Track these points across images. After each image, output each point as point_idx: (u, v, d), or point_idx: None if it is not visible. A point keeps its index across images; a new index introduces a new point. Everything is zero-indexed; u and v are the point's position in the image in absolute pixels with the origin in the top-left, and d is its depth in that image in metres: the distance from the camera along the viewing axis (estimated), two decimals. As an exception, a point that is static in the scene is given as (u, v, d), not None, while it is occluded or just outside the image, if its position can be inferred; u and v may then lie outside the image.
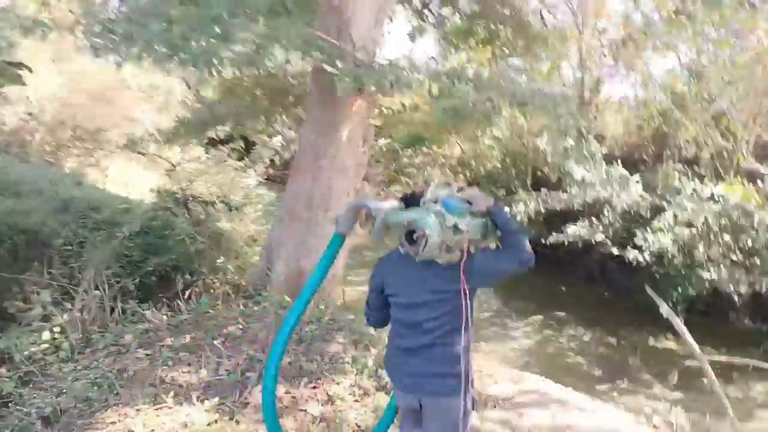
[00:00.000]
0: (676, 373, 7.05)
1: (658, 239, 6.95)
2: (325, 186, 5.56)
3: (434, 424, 2.25)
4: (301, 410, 3.58)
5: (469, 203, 2.17)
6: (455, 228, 2.08)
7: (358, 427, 3.53)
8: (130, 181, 12.16)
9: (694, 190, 7.02)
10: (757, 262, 7.31)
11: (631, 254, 7.19)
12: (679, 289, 7.89)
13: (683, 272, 7.80)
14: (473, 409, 2.30)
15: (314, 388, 3.84)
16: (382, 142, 11.57)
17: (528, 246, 2.20)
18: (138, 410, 3.39)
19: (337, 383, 3.90)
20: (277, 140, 10.98)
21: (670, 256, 7.45)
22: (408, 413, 2.43)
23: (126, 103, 13.18)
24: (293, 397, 3.70)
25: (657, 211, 8.10)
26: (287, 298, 4.99)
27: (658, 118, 10.34)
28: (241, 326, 4.60)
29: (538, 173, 11.53)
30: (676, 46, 9.85)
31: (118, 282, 5.03)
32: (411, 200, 2.25)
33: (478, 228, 2.15)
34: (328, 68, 4.28)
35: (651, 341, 8.14)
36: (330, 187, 5.57)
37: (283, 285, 5.43)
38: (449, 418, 2.18)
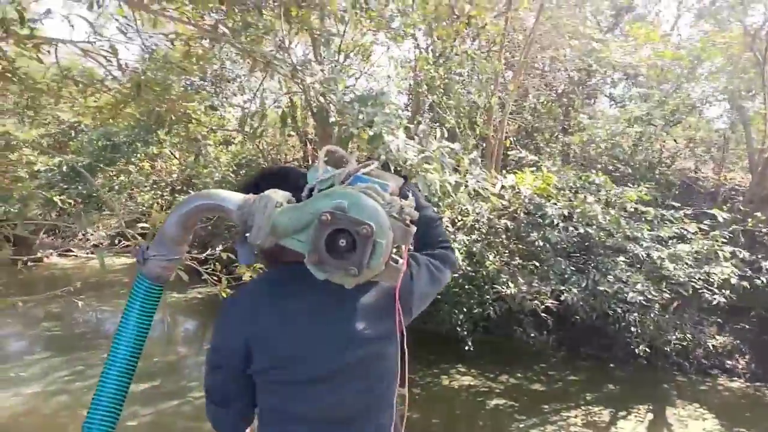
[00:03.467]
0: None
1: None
2: None
3: None
4: None
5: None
6: (401, 215, 1.14)
7: None
8: None
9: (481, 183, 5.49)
10: (537, 264, 6.19)
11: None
12: (464, 309, 6.40)
13: (468, 288, 6.32)
14: None
15: None
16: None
17: None
18: None
19: None
20: None
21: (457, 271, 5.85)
22: None
23: None
24: None
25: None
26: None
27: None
28: None
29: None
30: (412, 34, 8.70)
31: None
32: (283, 186, 1.24)
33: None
34: None
35: (445, 380, 6.46)
36: None
37: None
38: None
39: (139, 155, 9.22)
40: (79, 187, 8.22)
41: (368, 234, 1.05)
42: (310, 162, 10.31)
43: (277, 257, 1.27)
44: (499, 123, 7.08)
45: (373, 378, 1.23)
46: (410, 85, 8.83)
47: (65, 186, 8.62)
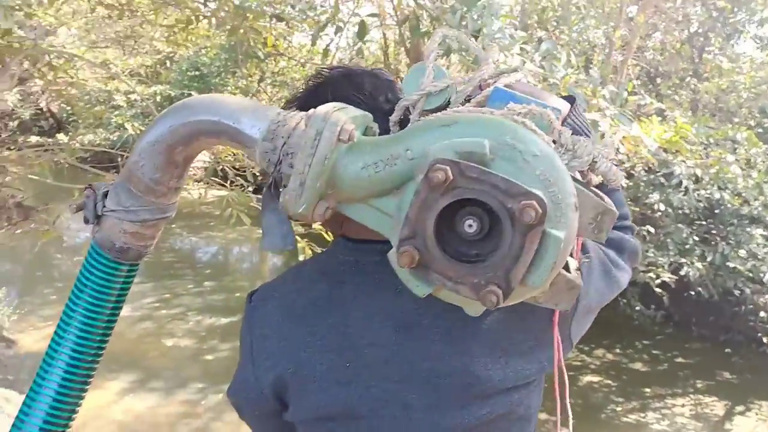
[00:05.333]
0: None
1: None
2: None
3: None
4: None
5: None
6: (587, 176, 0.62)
7: None
8: None
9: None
10: (651, 231, 5.34)
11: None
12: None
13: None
14: None
15: None
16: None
17: None
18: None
19: None
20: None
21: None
22: None
23: None
24: None
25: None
26: None
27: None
28: None
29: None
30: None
31: None
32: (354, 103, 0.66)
33: None
34: None
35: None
36: None
37: None
38: None
39: (230, 88, 9.10)
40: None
41: (535, 219, 0.49)
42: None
43: (341, 226, 0.76)
44: (621, 63, 6.13)
45: None
46: (517, 18, 7.93)
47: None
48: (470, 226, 0.52)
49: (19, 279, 6.72)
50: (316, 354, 0.69)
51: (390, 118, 0.67)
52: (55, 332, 0.71)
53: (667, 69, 7.43)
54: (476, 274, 0.52)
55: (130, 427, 4.01)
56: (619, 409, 4.90)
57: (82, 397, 0.73)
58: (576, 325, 0.77)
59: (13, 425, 0.69)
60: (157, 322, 5.90)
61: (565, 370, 0.75)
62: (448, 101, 0.66)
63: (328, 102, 0.64)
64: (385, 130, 0.67)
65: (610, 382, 5.36)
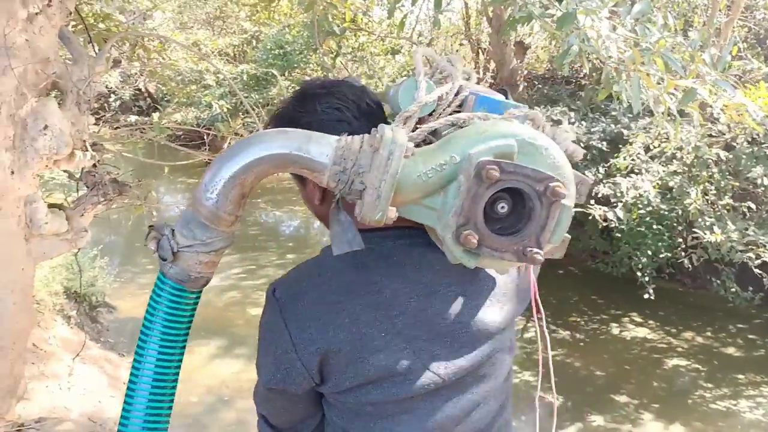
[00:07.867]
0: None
1: (633, 186, 4.37)
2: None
3: None
4: None
5: None
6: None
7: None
8: None
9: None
10: (752, 207, 4.92)
11: (598, 212, 4.49)
12: (649, 252, 5.47)
13: (656, 228, 5.36)
14: None
15: None
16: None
17: None
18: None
19: None
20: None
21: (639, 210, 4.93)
22: None
23: None
24: None
25: (614, 143, 5.57)
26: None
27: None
28: None
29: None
30: None
31: None
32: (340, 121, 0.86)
33: None
34: None
35: (615, 329, 5.73)
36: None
37: None
38: None
39: (311, 65, 9.26)
40: (255, 96, 8.52)
41: (561, 194, 0.70)
42: (482, 73, 9.43)
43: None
44: (725, 24, 5.59)
45: (501, 376, 0.93)
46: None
47: (245, 94, 9.03)
48: (503, 207, 0.72)
49: (119, 249, 7.30)
50: (355, 332, 0.80)
51: (391, 125, 0.78)
52: (133, 366, 0.80)
53: (779, 29, 6.72)
54: (515, 243, 0.71)
55: (215, 391, 4.28)
56: (708, 395, 4.62)
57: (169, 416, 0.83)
58: (535, 267, 0.99)
59: None
60: (242, 292, 6.23)
61: (540, 303, 0.96)
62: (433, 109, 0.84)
63: (317, 112, 0.83)
64: (369, 131, 0.76)
65: (699, 366, 5.06)
